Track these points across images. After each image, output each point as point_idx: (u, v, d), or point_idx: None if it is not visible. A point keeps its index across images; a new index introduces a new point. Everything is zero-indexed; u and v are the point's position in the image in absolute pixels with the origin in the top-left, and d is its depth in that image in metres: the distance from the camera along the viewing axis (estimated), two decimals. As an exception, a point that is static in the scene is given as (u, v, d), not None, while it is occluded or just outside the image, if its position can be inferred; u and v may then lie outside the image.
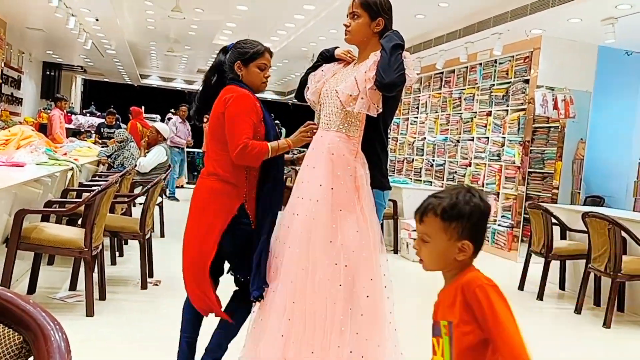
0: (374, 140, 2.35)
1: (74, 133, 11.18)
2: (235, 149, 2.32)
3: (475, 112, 8.11)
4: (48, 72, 14.59)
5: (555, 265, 5.26)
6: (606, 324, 4.22)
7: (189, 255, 2.49)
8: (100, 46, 11.12)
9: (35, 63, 13.65)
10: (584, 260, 4.67)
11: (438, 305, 1.51)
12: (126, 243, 5.59)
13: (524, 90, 7.14)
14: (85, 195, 4.01)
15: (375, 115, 2.28)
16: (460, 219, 1.43)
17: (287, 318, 2.23)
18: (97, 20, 8.71)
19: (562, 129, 6.96)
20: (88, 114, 13.61)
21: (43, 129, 9.51)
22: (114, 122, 10.16)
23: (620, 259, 4.25)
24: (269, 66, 2.56)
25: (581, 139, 7.27)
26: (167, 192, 10.39)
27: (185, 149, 10.57)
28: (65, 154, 5.55)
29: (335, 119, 2.32)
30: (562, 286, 5.42)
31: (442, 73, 9.10)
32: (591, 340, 3.99)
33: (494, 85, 7.73)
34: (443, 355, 1.44)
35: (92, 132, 11.19)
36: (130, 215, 5.34)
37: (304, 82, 2.60)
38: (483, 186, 7.72)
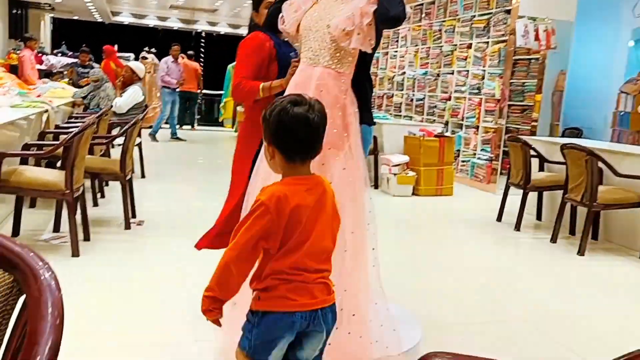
0: (362, 76, 2.32)
1: (46, 74, 10.84)
2: (232, 87, 2.55)
3: (456, 45, 8.02)
4: (14, 11, 13.94)
5: (532, 196, 5.39)
6: (580, 251, 4.38)
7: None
8: (67, -19, 10.64)
9: (0, 1, 13.04)
10: (561, 191, 4.78)
11: None
12: (107, 185, 5.56)
13: (505, 21, 7.04)
14: (62, 137, 3.95)
15: (370, 52, 2.23)
16: (264, 122, 1.55)
17: None
18: (62, -48, 8.28)
19: (542, 60, 6.95)
20: (59, 54, 13.16)
21: (14, 70, 9.19)
22: (87, 62, 9.85)
23: (597, 189, 4.36)
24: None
25: (562, 70, 7.28)
26: (170, 134, 10.44)
27: (178, 90, 10.34)
28: (39, 95, 5.42)
29: (325, 54, 2.22)
30: (539, 217, 5.57)
31: (422, 5, 8.93)
32: (566, 267, 4.15)
33: (475, 16, 7.62)
34: None
35: (65, 72, 10.84)
36: (109, 157, 5.29)
37: (275, 11, 2.45)
38: (463, 120, 7.75)
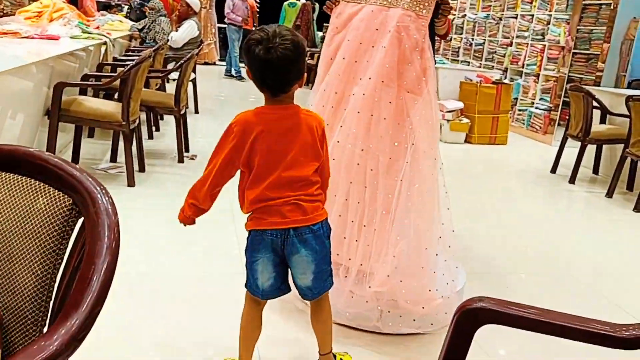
0: (431, 20, 2.25)
1: (105, 7, 10.95)
2: None
3: (522, -13, 7.60)
4: (74, -59, 14.03)
5: (590, 150, 5.18)
6: (637, 208, 4.23)
7: None
8: None
9: None
10: (622, 145, 4.58)
11: None
12: (162, 118, 5.69)
13: (577, -38, 6.59)
14: (119, 69, 4.03)
15: None
16: (246, 54, 1.58)
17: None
18: None
19: (614, 6, 6.50)
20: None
21: (74, 2, 9.33)
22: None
23: (660, 144, 4.15)
24: None
25: (634, 17, 6.80)
26: (233, 71, 10.49)
27: (243, 28, 10.31)
28: (98, 27, 5.50)
29: None
30: (595, 171, 5.37)
31: (489, -58, 8.44)
32: (621, 223, 4.03)
33: (545, -44, 7.15)
34: None
35: (123, 4, 10.92)
36: (165, 91, 5.38)
37: None
38: (523, 67, 7.43)
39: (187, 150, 4.70)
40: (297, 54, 1.56)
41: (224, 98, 8.34)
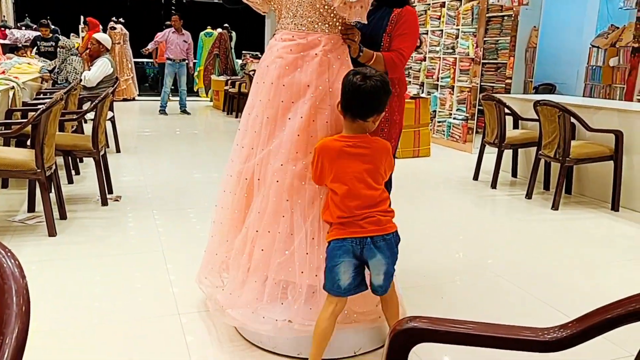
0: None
1: (11, 49, 10.49)
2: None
3: (429, 4, 7.95)
4: (-28, -17, 13.39)
5: (508, 154, 5.45)
6: (554, 206, 4.47)
7: None
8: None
9: (-44, -27, 12.51)
10: (535, 148, 4.84)
11: None
12: (81, 161, 5.48)
13: (477, -21, 6.98)
14: (31, 114, 3.85)
15: (366, 21, 2.24)
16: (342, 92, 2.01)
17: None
18: None
19: (515, 17, 6.92)
20: (24, 27, 12.72)
21: (-24, 46, 8.88)
22: (49, 35, 9.55)
23: (569, 144, 4.42)
24: None
25: (534, 26, 7.27)
26: (179, 107, 10.29)
27: (177, 62, 10.07)
28: (4, 72, 5.26)
29: (323, 20, 2.22)
30: (514, 174, 5.64)
31: (394, -36, 8.77)
32: (541, 222, 4.23)
33: (447, -26, 7.53)
34: None
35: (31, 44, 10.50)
36: (82, 133, 5.19)
37: None
38: (438, 80, 7.74)
39: (111, 191, 4.55)
40: (385, 88, 1.99)
41: (148, 134, 8.14)
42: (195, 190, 4.91)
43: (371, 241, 1.95)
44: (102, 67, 5.98)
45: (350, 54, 2.32)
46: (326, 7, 2.20)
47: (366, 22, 2.25)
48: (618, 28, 7.75)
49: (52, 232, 3.50)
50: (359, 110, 1.97)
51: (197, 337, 2.35)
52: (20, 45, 10.93)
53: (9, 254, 0.94)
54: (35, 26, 12.28)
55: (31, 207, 3.98)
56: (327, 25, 2.23)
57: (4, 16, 15.04)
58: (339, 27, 2.26)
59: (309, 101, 2.20)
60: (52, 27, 9.80)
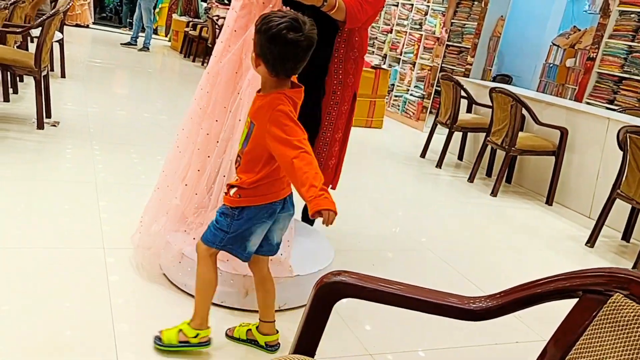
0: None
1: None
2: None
3: (404, -23, 7.87)
4: None
5: (457, 137, 5.53)
6: (494, 192, 4.59)
7: None
8: None
9: None
10: (484, 134, 4.93)
11: (254, 102, 1.72)
12: (22, 80, 5.19)
13: (454, -42, 6.94)
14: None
15: None
16: (257, 33, 1.61)
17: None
18: None
19: (485, 4, 6.95)
20: None
21: None
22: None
23: (517, 134, 4.52)
24: None
25: (501, 16, 7.32)
26: (144, 42, 9.85)
27: None
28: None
29: None
30: (460, 157, 5.75)
31: None
32: (478, 206, 4.34)
33: (425, -51, 7.45)
34: (239, 141, 1.84)
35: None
36: (27, 50, 4.89)
37: None
38: (401, 54, 7.73)
39: (49, 116, 4.33)
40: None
41: (97, 64, 7.78)
42: (140, 128, 4.75)
43: (289, 198, 1.83)
44: None
45: (313, 3, 2.23)
46: None
47: None
48: (580, 30, 7.93)
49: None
50: (296, 68, 1.66)
51: (121, 276, 2.28)
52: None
53: None
54: None
55: (-40, 120, 3.74)
56: None
57: None
58: None
59: (223, 41, 2.24)
60: None
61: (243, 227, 1.75)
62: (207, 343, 1.85)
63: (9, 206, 2.71)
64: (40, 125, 4.02)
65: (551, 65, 7.99)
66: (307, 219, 2.90)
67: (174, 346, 1.82)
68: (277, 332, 1.96)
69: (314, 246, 2.61)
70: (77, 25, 11.43)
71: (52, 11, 4.18)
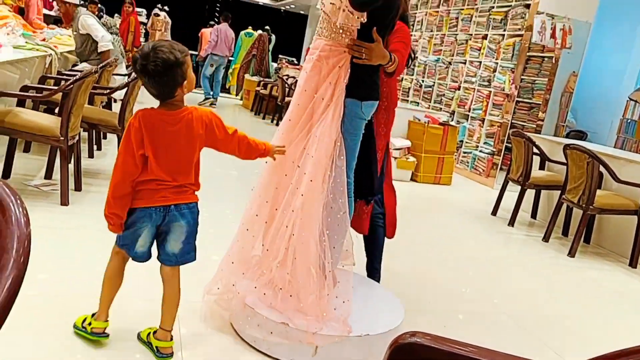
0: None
1: (56, 21, 10.68)
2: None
3: (471, 35, 7.91)
4: (29, -47, 13.70)
5: (530, 194, 5.35)
6: (571, 253, 4.36)
7: None
8: None
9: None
10: (559, 192, 4.75)
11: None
12: (105, 137, 5.52)
13: (523, 16, 6.93)
14: (63, 83, 3.88)
15: (359, 26, 2.20)
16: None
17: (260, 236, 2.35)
18: None
19: (556, 60, 6.84)
20: (70, 2, 12.95)
21: (21, 12, 9.05)
22: (96, 13, 9.69)
23: (595, 192, 4.32)
24: None
25: (574, 71, 7.18)
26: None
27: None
28: (44, 39, 5.33)
29: (326, 26, 2.26)
30: (534, 215, 5.54)
31: (442, -10, 8.78)
32: (555, 267, 4.13)
33: (493, 7, 7.50)
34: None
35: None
36: (110, 109, 5.23)
37: None
38: (470, 111, 7.68)
39: (129, 171, 4.55)
40: (168, 66, 1.80)
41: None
42: (211, 183, 4.90)
43: (175, 208, 1.96)
44: (93, 24, 5.68)
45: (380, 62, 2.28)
46: (325, 12, 2.24)
47: (358, 26, 2.20)
48: (659, 85, 7.63)
49: (64, 202, 3.50)
50: (157, 93, 1.91)
51: (190, 329, 2.31)
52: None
53: (18, 200, 0.91)
54: (83, 2, 12.48)
55: (48, 174, 3.99)
56: (329, 32, 2.25)
57: (54, -11, 15.32)
58: (342, 36, 2.22)
59: (293, 101, 2.32)
60: (100, 6, 9.94)
61: (130, 228, 1.96)
62: (101, 334, 2.06)
63: (89, 255, 2.82)
64: (121, 180, 4.23)
65: (629, 120, 7.69)
66: (373, 274, 2.86)
67: (77, 327, 2.09)
68: (172, 339, 2.06)
69: (383, 304, 2.55)
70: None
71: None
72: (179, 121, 1.91)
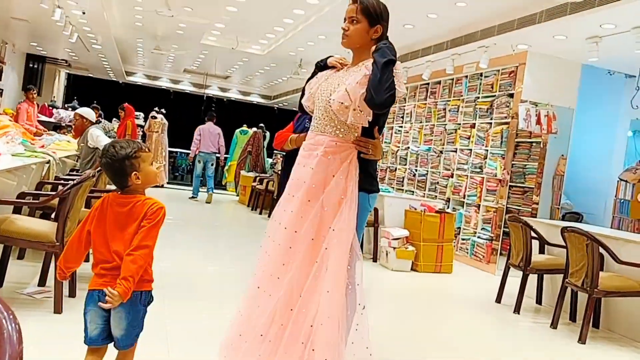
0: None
1: (55, 127, 10.98)
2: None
3: (460, 124, 8.15)
4: (31, 65, 14.34)
5: (532, 279, 5.28)
6: (581, 339, 4.23)
7: None
8: (86, 40, 10.97)
9: (18, 54, 13.45)
10: (562, 275, 4.68)
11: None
12: (101, 240, 5.47)
13: (508, 104, 7.18)
14: (60, 188, 3.91)
15: (367, 125, 2.35)
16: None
17: (268, 316, 2.30)
18: (83, 13, 8.58)
19: (544, 144, 7.02)
20: (70, 109, 13.40)
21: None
22: (97, 118, 9.99)
23: (597, 274, 4.26)
24: (346, 17, 2.47)
25: (562, 155, 7.33)
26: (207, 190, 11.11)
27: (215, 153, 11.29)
28: (43, 146, 5.44)
29: (330, 123, 2.37)
30: (539, 300, 5.43)
31: (428, 84, 9.13)
32: (566, 355, 3.99)
33: (478, 98, 7.78)
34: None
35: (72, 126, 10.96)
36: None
37: (302, 93, 2.65)
38: (464, 197, 7.74)
39: (125, 273, 4.48)
40: (116, 159, 2.10)
41: (170, 221, 8.17)
42: (209, 282, 4.82)
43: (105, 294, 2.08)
44: (100, 135, 5.89)
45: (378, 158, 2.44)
46: (332, 110, 2.34)
47: (366, 125, 2.36)
48: (646, 165, 7.77)
49: (58, 309, 3.41)
50: (115, 182, 2.19)
51: None
52: (63, 124, 11.43)
53: (10, 316, 0.89)
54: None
55: (42, 281, 3.92)
56: (333, 128, 2.35)
57: (54, 96, 15.90)
58: (348, 133, 2.36)
59: (300, 196, 2.33)
60: (100, 111, 10.28)
61: (84, 309, 2.14)
62: None
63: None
64: (116, 283, 4.15)
65: (622, 200, 7.75)
66: None
67: None
68: None
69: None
70: (154, 186, 12.28)
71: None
72: (127, 204, 2.12)
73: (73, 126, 6.45)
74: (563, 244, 4.63)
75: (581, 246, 4.37)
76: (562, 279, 4.64)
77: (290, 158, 2.78)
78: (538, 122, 6.82)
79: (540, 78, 6.97)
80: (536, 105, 6.86)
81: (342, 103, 2.28)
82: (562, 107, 7.02)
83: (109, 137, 6.62)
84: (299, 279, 2.26)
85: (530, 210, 6.97)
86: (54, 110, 12.42)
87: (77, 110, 6.33)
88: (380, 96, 2.22)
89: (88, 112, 6.20)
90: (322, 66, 2.64)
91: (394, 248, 6.34)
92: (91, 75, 17.41)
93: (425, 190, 8.80)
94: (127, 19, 9.93)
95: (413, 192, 9.06)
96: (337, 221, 2.27)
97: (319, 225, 2.28)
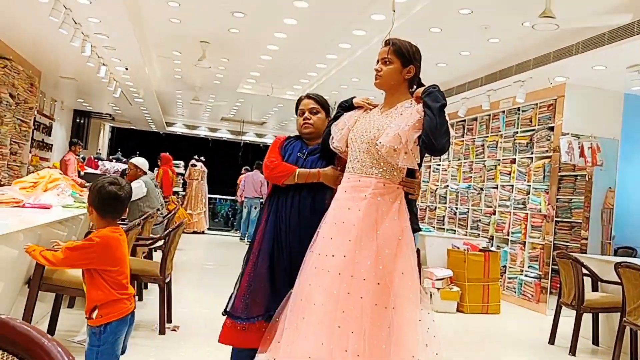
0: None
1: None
2: (264, 165, 2.79)
3: (499, 160, 8.03)
4: (78, 120, 14.94)
5: (587, 318, 5.05)
6: (645, 381, 4.00)
7: None
8: (128, 94, 11.40)
9: (66, 111, 14.05)
10: (619, 314, 4.47)
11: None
12: (146, 287, 5.54)
13: (548, 138, 7.06)
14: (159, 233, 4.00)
15: (418, 168, 2.41)
16: (90, 192, 2.61)
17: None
18: (126, 69, 8.95)
19: (589, 177, 6.83)
20: (114, 160, 13.84)
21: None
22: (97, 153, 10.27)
23: (657, 311, 4.06)
24: (305, 110, 2.83)
25: (610, 187, 7.11)
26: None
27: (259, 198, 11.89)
28: (90, 197, 5.59)
29: (375, 165, 2.37)
30: (595, 341, 5.18)
31: (464, 121, 9.09)
32: (629, 398, 3.77)
33: (517, 132, 7.68)
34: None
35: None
36: (151, 259, 5.31)
37: (327, 134, 2.64)
38: (508, 235, 7.55)
39: (170, 321, 4.51)
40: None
41: (210, 266, 8.25)
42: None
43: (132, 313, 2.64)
44: (135, 184, 6.02)
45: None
46: (379, 153, 2.34)
47: (416, 168, 2.40)
48: (701, 194, 7.45)
49: (107, 357, 3.44)
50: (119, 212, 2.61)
51: None
52: (109, 175, 11.77)
53: (71, 362, 0.90)
54: (125, 160, 13.33)
55: (92, 329, 3.97)
56: (380, 170, 2.36)
57: (99, 149, 16.50)
58: (395, 174, 2.37)
59: (353, 240, 2.27)
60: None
61: (111, 339, 2.47)
62: None
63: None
64: (162, 331, 4.17)
65: (677, 233, 7.41)
66: None
67: None
68: None
69: None
70: (194, 232, 12.43)
71: (178, 223, 4.60)
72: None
73: (126, 175, 6.67)
74: (617, 280, 4.44)
75: (638, 282, 4.18)
76: (620, 318, 4.43)
77: (281, 193, 2.68)
78: (582, 154, 6.66)
79: (580, 110, 6.85)
80: (578, 138, 6.72)
81: (391, 146, 2.29)
82: (606, 139, 6.85)
83: (155, 185, 6.78)
84: (371, 325, 2.18)
85: (579, 246, 6.73)
86: (100, 163, 12.85)
87: (131, 160, 6.57)
88: (440, 141, 2.26)
89: (142, 162, 6.43)
90: (346, 107, 2.66)
91: (438, 289, 6.20)
92: (133, 127, 18.01)
93: (467, 229, 8.64)
94: (167, 73, 10.30)
95: (455, 230, 8.90)
96: (403, 264, 2.25)
97: (383, 269, 2.23)
